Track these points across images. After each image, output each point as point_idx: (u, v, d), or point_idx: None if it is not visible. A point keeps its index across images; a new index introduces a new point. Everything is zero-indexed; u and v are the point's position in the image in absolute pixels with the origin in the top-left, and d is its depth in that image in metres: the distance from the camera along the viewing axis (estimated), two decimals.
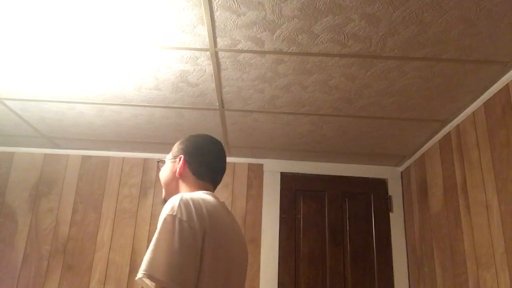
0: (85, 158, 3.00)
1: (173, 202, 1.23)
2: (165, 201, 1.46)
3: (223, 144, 1.85)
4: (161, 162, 1.58)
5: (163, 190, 1.51)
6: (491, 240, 1.87)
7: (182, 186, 1.45)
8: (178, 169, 1.45)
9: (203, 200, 1.29)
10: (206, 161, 1.47)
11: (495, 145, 1.86)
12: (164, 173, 1.50)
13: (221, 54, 1.77)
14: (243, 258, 1.41)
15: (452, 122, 2.25)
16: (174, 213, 1.19)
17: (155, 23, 1.58)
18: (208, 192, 1.41)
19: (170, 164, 1.50)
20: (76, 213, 2.88)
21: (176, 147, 1.52)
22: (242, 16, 1.52)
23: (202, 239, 1.19)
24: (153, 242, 1.17)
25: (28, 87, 2.12)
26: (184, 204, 1.21)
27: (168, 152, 1.64)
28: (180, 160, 1.46)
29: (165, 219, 1.19)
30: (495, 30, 1.53)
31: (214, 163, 1.49)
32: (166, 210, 1.21)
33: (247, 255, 1.46)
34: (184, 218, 1.18)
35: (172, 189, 1.46)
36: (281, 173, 2.98)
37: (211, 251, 1.21)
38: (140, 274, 1.12)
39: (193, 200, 1.24)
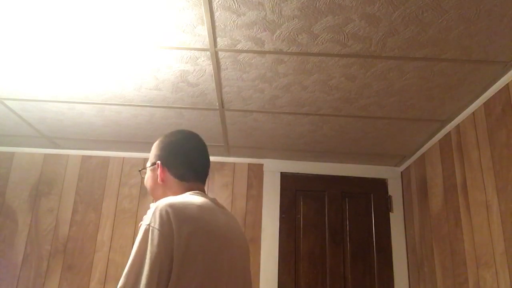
0: (85, 158, 3.00)
1: (150, 211, 1.18)
2: None
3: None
4: (142, 171, 1.51)
5: (152, 198, 1.45)
6: (491, 240, 1.87)
7: (168, 191, 1.39)
8: (158, 176, 1.39)
9: (186, 203, 1.23)
10: (184, 161, 1.39)
11: (495, 145, 1.86)
12: (147, 182, 1.44)
13: (221, 54, 1.77)
14: (243, 256, 1.35)
15: (452, 122, 2.25)
16: (148, 222, 1.15)
17: (155, 23, 1.58)
18: (196, 192, 1.35)
19: (150, 171, 1.43)
20: (76, 213, 2.88)
21: (152, 152, 1.45)
22: (242, 16, 1.52)
23: (179, 246, 1.13)
24: (130, 255, 1.15)
25: (28, 87, 2.12)
26: (160, 211, 1.16)
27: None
28: (158, 166, 1.39)
29: (140, 230, 1.16)
30: (495, 30, 1.53)
31: (193, 160, 1.41)
32: (143, 220, 1.18)
33: (248, 253, 1.40)
34: (157, 226, 1.13)
35: (159, 196, 1.39)
36: (281, 173, 2.98)
37: (195, 255, 1.16)
38: None
39: (171, 205, 1.18)
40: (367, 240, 2.86)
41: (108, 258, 2.78)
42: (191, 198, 1.28)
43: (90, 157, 3.00)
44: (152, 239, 1.12)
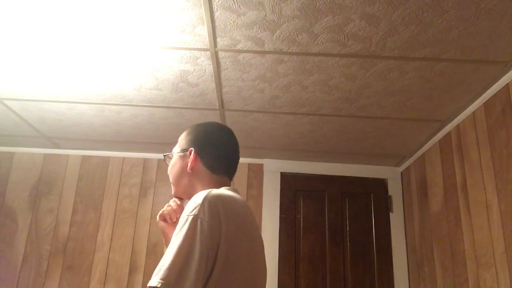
0: (85, 158, 3.00)
1: (197, 200, 1.09)
2: (176, 197, 1.36)
3: None
4: (167, 156, 1.40)
5: (173, 187, 1.36)
6: (491, 240, 1.87)
7: (196, 182, 1.31)
8: (189, 164, 1.30)
9: (232, 197, 1.16)
10: (219, 152, 1.33)
11: (495, 145, 1.86)
12: (174, 169, 1.35)
13: (221, 54, 1.77)
14: (263, 253, 1.32)
15: (452, 122, 2.25)
16: (196, 213, 1.06)
17: (155, 23, 1.58)
18: (231, 188, 1.28)
19: (179, 158, 1.34)
20: (76, 213, 2.88)
21: (184, 139, 1.37)
22: (242, 16, 1.52)
23: (226, 243, 1.06)
24: (170, 245, 1.05)
25: (28, 87, 2.12)
26: (209, 202, 1.08)
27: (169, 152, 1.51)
28: (190, 153, 1.31)
29: (186, 220, 1.06)
30: (495, 30, 1.53)
31: (227, 154, 1.35)
32: (188, 209, 1.08)
33: (264, 250, 1.35)
34: (206, 218, 1.05)
35: (184, 186, 1.32)
36: (281, 173, 2.98)
37: (239, 252, 1.09)
38: (156, 282, 0.98)
39: (220, 198, 1.11)
40: (367, 240, 2.86)
41: (108, 258, 2.78)
42: (232, 193, 1.21)
43: (90, 157, 3.00)
44: (201, 231, 1.03)
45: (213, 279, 1.03)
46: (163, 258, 1.03)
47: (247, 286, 1.10)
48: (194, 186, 1.30)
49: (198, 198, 1.10)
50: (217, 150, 1.33)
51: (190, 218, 1.06)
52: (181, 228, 1.05)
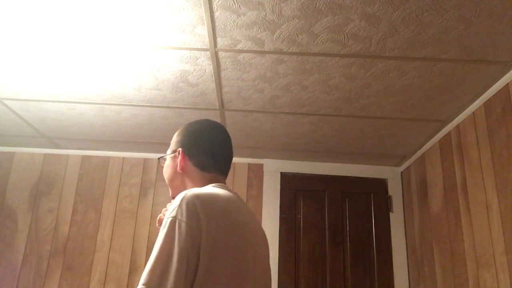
0: (85, 158, 3.00)
1: (175, 202, 1.09)
2: (173, 199, 1.34)
3: None
4: (162, 158, 1.42)
5: (169, 189, 1.38)
6: (491, 240, 1.87)
7: (187, 181, 1.31)
8: (178, 164, 1.31)
9: (213, 195, 1.14)
10: (207, 150, 1.32)
11: (495, 145, 1.86)
12: (167, 171, 1.36)
13: (221, 54, 1.77)
14: (264, 252, 1.27)
15: (452, 122, 2.25)
16: (174, 215, 1.05)
17: (155, 23, 1.58)
18: (219, 184, 1.26)
19: (170, 159, 1.35)
20: (76, 213, 2.88)
21: (174, 140, 1.38)
22: (242, 16, 1.52)
23: (208, 242, 1.04)
24: (153, 249, 1.06)
25: (28, 87, 2.12)
26: (186, 202, 1.06)
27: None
28: (179, 153, 1.32)
29: (165, 223, 1.06)
30: (495, 30, 1.53)
31: (217, 150, 1.33)
32: (168, 211, 1.08)
33: (268, 248, 1.33)
34: (184, 219, 1.04)
35: (178, 186, 1.32)
36: (281, 173, 2.98)
37: (223, 252, 1.07)
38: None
39: (199, 197, 1.09)
40: (367, 240, 2.86)
41: (108, 258, 2.78)
42: (217, 190, 1.19)
43: (90, 157, 3.00)
44: (179, 233, 1.02)
45: (198, 281, 1.01)
46: (147, 263, 1.03)
47: (234, 281, 1.07)
48: (186, 186, 1.30)
49: (177, 199, 1.09)
50: (205, 148, 1.32)
51: (169, 220, 1.05)
52: (161, 231, 1.05)
